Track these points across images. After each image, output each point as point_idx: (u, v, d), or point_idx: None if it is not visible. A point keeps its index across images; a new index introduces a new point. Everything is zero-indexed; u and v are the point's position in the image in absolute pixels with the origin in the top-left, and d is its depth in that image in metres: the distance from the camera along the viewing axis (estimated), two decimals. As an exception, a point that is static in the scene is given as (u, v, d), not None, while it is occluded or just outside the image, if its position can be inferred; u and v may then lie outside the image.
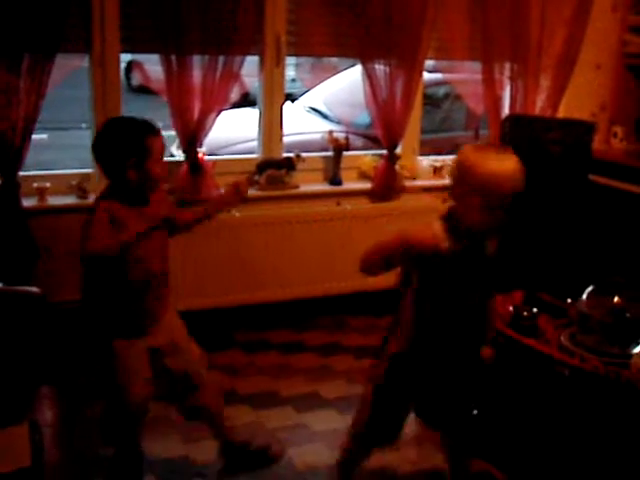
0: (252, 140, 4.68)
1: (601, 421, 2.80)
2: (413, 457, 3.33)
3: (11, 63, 3.62)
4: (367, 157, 4.76)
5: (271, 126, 4.47)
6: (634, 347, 2.88)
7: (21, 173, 3.80)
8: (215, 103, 4.11)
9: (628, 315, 2.93)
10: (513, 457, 3.15)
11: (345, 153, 4.63)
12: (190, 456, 3.19)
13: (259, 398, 3.67)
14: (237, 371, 3.91)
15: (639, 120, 5.18)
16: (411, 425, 3.52)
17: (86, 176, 4.06)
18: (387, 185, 4.62)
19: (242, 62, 4.13)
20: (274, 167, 4.42)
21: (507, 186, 2.32)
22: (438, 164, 4.90)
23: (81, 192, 4.00)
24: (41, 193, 3.92)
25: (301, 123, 6.05)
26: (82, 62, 3.97)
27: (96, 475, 2.98)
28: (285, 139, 4.54)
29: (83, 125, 7.72)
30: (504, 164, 2.34)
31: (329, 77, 4.93)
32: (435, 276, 2.42)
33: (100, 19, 3.90)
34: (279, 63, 4.37)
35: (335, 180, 4.60)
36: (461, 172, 2.39)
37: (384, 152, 4.62)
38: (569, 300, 3.28)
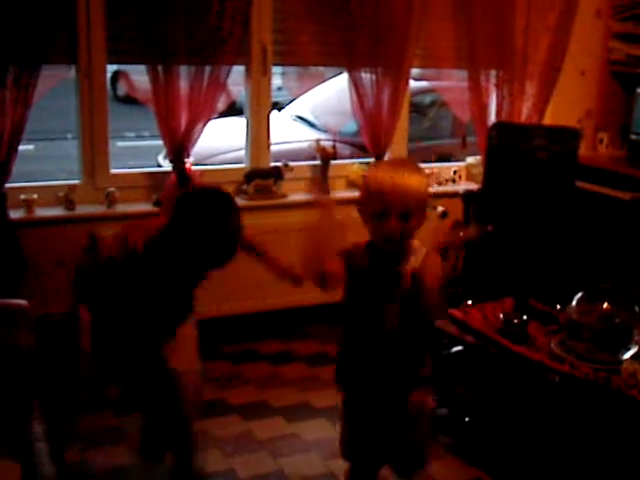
0: (239, 149, 4.67)
1: (592, 427, 2.80)
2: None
3: (-3, 75, 3.61)
4: (355, 165, 4.77)
5: (258, 135, 4.47)
6: (624, 353, 2.90)
7: (8, 185, 3.78)
8: (202, 113, 4.10)
9: (617, 321, 2.94)
10: (504, 464, 3.16)
11: (333, 162, 4.63)
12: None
13: (249, 409, 3.65)
14: (226, 382, 3.89)
15: (624, 126, 5.21)
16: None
17: (73, 187, 4.05)
18: (375, 193, 4.62)
19: (229, 72, 4.13)
20: (262, 176, 4.42)
21: (383, 192, 2.27)
22: (425, 172, 4.89)
23: (68, 203, 3.98)
24: (28, 205, 3.90)
25: (288, 132, 6.05)
26: (69, 74, 3.95)
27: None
28: (272, 148, 4.54)
29: (69, 136, 7.71)
30: (388, 173, 2.30)
31: (315, 86, 4.93)
32: (353, 290, 2.38)
33: (86, 30, 3.89)
34: (265, 72, 4.37)
35: (323, 189, 4.60)
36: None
37: (372, 160, 4.62)
38: (558, 307, 3.30)
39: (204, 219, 2.50)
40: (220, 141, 5.65)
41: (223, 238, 2.52)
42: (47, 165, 8.01)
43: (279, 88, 5.27)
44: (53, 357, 3.50)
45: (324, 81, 5.18)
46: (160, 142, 4.23)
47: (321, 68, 4.78)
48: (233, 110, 5.10)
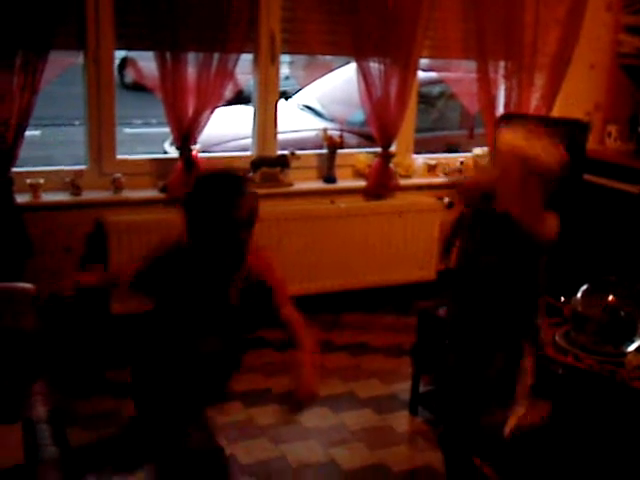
0: (246, 137, 4.67)
1: (596, 419, 2.80)
2: (405, 454, 3.34)
3: (4, 60, 3.60)
4: (361, 155, 4.76)
5: (265, 124, 4.47)
6: (628, 345, 2.89)
7: (14, 169, 3.78)
8: (209, 100, 4.10)
9: (622, 314, 2.93)
10: (507, 456, 3.15)
11: (339, 151, 4.62)
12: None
13: (251, 395, 3.66)
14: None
15: (633, 119, 5.19)
16: (402, 422, 3.57)
17: (79, 172, 4.05)
18: (381, 183, 4.62)
19: (237, 60, 4.13)
20: (268, 165, 4.42)
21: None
22: (432, 162, 4.90)
23: (74, 188, 3.99)
24: (35, 189, 3.90)
25: (295, 121, 6.04)
26: (76, 59, 3.95)
27: (90, 472, 2.98)
28: (279, 137, 4.54)
29: (76, 122, 7.71)
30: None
31: (323, 75, 4.92)
32: None
33: (95, 16, 3.88)
34: (274, 61, 4.36)
35: (329, 178, 4.60)
36: None
37: (379, 150, 4.62)
38: (563, 299, 3.29)
39: (208, 202, 2.30)
40: (227, 129, 5.64)
41: (228, 222, 2.28)
42: (54, 151, 8.02)
43: (287, 77, 5.27)
44: (58, 340, 3.52)
45: (332, 70, 5.17)
46: (167, 129, 4.23)
47: (329, 57, 4.78)
48: (241, 98, 5.10)
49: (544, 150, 2.41)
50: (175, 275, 2.35)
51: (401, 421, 3.54)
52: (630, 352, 2.86)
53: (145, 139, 8.53)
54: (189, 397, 2.44)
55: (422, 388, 3.59)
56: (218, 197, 2.28)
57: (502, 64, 4.83)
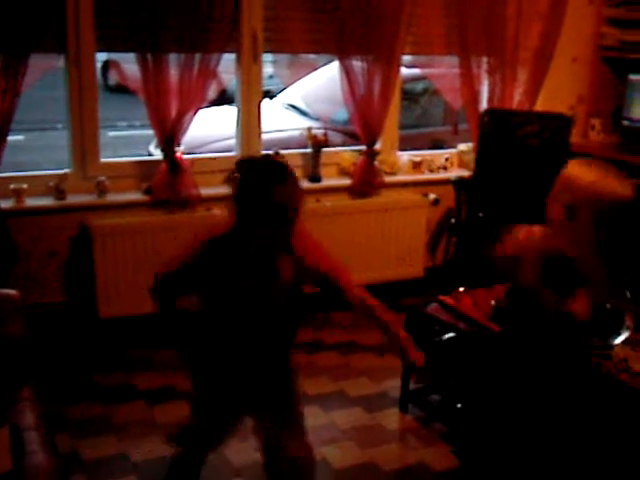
0: (231, 138, 4.66)
1: (582, 413, 2.81)
2: (396, 452, 3.33)
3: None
4: (346, 153, 4.76)
5: (249, 123, 4.46)
6: (615, 338, 2.89)
7: (-3, 175, 3.77)
8: (192, 101, 4.08)
9: (608, 306, 2.94)
10: (495, 448, 3.16)
11: (324, 150, 4.62)
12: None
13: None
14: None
15: (616, 112, 5.21)
16: (393, 420, 3.57)
17: (64, 177, 4.03)
18: (367, 181, 4.62)
19: (219, 59, 4.11)
20: (253, 165, 4.40)
21: None
22: (417, 159, 4.91)
23: (58, 193, 3.97)
24: (18, 194, 3.88)
25: (279, 120, 6.03)
26: (58, 62, 3.92)
27: (77, 478, 2.96)
28: (264, 136, 4.53)
29: (59, 126, 7.67)
30: None
31: (307, 74, 4.91)
32: None
33: (75, 18, 3.86)
34: (256, 60, 4.35)
35: (314, 177, 4.59)
36: None
37: (363, 148, 4.61)
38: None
39: (249, 186, 2.34)
40: (211, 130, 5.63)
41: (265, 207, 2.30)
42: (37, 156, 7.98)
43: (271, 76, 5.25)
44: (44, 346, 3.50)
45: (316, 69, 5.16)
46: (151, 131, 4.21)
47: (312, 56, 4.77)
48: (224, 99, 5.08)
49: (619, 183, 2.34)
50: (223, 260, 2.37)
51: (391, 419, 3.54)
52: (617, 345, 2.86)
53: (129, 142, 8.50)
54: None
55: (412, 385, 3.59)
56: (261, 179, 2.33)
57: (485, 59, 4.84)
